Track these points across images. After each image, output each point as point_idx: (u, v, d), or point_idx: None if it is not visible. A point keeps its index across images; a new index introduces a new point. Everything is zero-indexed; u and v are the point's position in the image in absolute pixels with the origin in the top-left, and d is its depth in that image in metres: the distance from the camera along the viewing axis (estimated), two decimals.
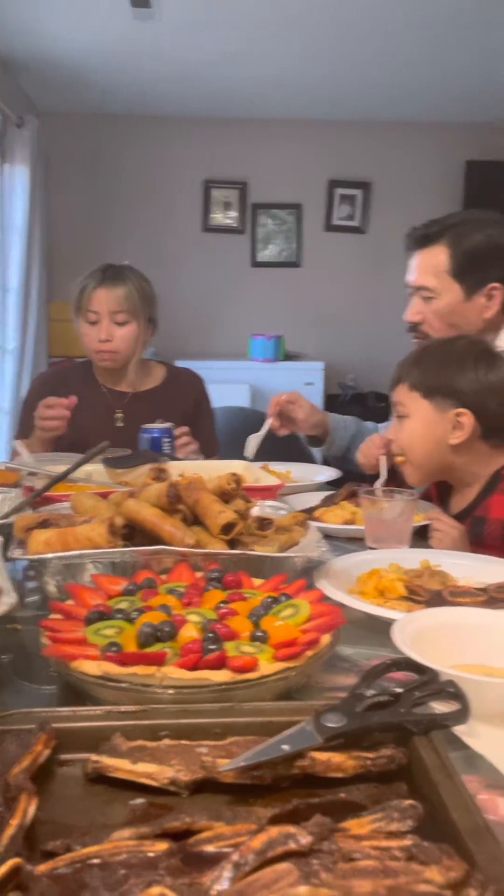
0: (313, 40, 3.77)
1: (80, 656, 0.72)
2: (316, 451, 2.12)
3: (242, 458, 1.69)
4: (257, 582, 0.94)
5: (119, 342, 1.99)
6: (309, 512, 1.45)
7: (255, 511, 1.17)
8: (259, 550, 1.02)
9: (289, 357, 4.84)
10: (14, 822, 0.49)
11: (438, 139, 5.10)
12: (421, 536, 1.37)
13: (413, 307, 1.67)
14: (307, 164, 5.12)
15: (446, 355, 1.38)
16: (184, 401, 2.13)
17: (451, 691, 0.65)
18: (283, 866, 0.43)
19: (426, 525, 1.36)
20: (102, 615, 0.80)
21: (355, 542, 1.35)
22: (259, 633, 0.76)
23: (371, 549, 1.27)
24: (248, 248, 5.22)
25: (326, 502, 1.52)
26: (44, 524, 1.04)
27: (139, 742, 0.60)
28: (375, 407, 4.65)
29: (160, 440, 1.69)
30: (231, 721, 0.62)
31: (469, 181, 5.08)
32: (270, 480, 1.45)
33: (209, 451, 2.00)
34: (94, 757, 0.58)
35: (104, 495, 1.15)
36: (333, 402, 4.81)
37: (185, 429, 1.88)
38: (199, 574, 0.95)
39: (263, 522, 1.11)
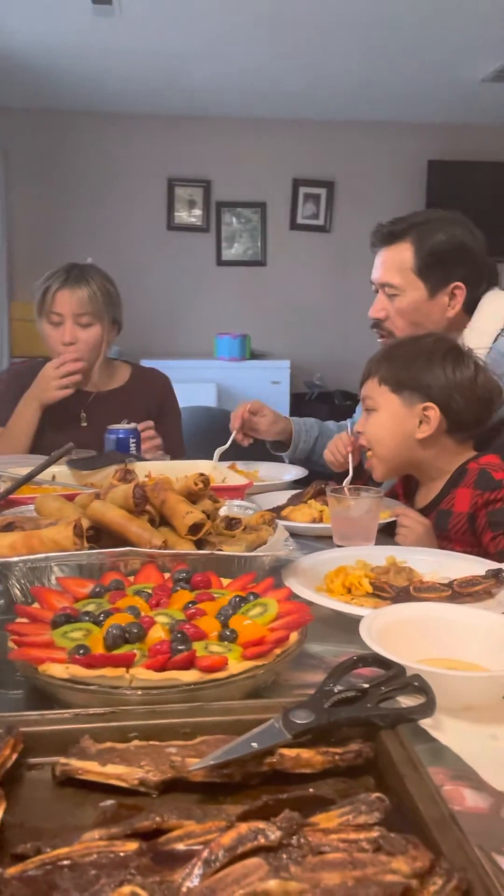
0: (277, 38, 3.78)
1: (48, 660, 0.71)
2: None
3: (209, 458, 1.69)
4: (226, 581, 0.94)
5: (83, 345, 1.97)
6: (276, 511, 1.46)
7: (223, 511, 1.17)
8: (227, 550, 1.02)
9: (255, 356, 4.85)
10: None
11: (401, 139, 5.16)
12: (387, 533, 1.39)
13: (377, 304, 1.68)
14: (271, 163, 5.13)
15: (416, 351, 1.40)
16: (149, 401, 2.12)
17: (417, 685, 0.66)
18: (253, 861, 0.43)
19: (393, 522, 1.38)
20: (69, 618, 0.79)
21: (323, 540, 1.36)
22: (227, 633, 0.77)
23: (338, 546, 1.29)
24: (212, 247, 5.22)
25: (294, 501, 1.53)
26: (8, 527, 1.03)
27: (108, 744, 0.60)
28: (342, 405, 4.68)
29: (126, 441, 1.68)
30: (200, 721, 0.63)
31: (431, 181, 5.15)
32: (238, 480, 1.46)
33: (175, 451, 2.00)
34: (63, 760, 0.58)
35: (70, 497, 1.14)
36: (300, 401, 4.83)
37: (149, 423, 1.88)
38: (166, 575, 0.95)
39: (231, 522, 1.11)
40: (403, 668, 0.69)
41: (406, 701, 0.67)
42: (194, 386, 4.04)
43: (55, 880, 0.44)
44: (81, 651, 0.72)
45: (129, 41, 3.80)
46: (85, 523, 1.00)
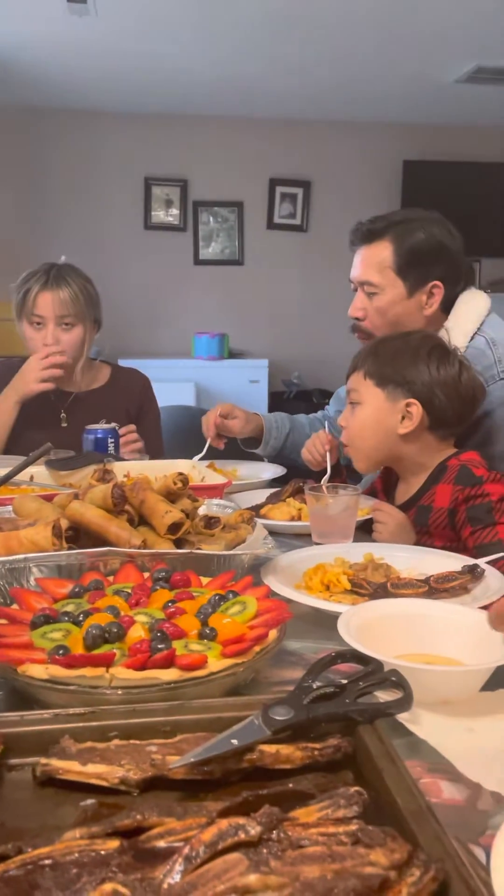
0: (253, 38, 3.78)
1: (27, 660, 0.71)
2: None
3: (189, 457, 1.69)
4: (205, 580, 0.95)
5: (65, 346, 1.96)
6: (255, 509, 1.47)
7: (202, 510, 1.17)
8: (206, 549, 1.03)
9: (233, 355, 4.85)
10: None
11: (377, 139, 5.18)
12: (365, 530, 1.40)
13: (356, 302, 1.69)
14: (248, 162, 5.14)
15: (402, 347, 1.42)
16: (129, 401, 2.11)
17: (395, 680, 0.67)
18: (233, 856, 0.44)
19: (370, 519, 1.39)
20: (48, 618, 0.79)
21: (301, 537, 1.37)
22: (207, 631, 0.77)
23: (317, 544, 1.30)
24: (190, 246, 5.21)
25: (272, 499, 1.54)
26: None
27: (89, 743, 0.60)
28: (320, 404, 4.68)
29: (105, 441, 1.67)
30: (180, 719, 0.63)
31: (407, 181, 5.18)
32: (217, 479, 1.46)
33: (154, 451, 2.00)
34: (43, 760, 0.58)
35: (48, 498, 1.14)
36: (278, 400, 4.84)
37: (131, 427, 1.88)
38: (146, 574, 0.95)
39: (210, 521, 1.11)
40: (381, 663, 0.70)
41: (384, 696, 0.67)
42: (172, 385, 4.04)
43: (37, 880, 0.44)
44: (61, 651, 0.72)
45: (105, 39, 3.78)
46: (64, 524, 1.00)
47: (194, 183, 5.13)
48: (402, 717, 0.68)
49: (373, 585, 1.04)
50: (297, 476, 1.61)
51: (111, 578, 0.95)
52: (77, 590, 0.88)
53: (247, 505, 1.47)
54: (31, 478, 1.41)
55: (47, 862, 0.45)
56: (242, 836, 0.46)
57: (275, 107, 4.85)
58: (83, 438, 1.69)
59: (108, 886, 0.43)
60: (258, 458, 2.00)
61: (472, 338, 1.58)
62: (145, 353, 4.87)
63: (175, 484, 1.11)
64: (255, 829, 0.46)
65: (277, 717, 0.60)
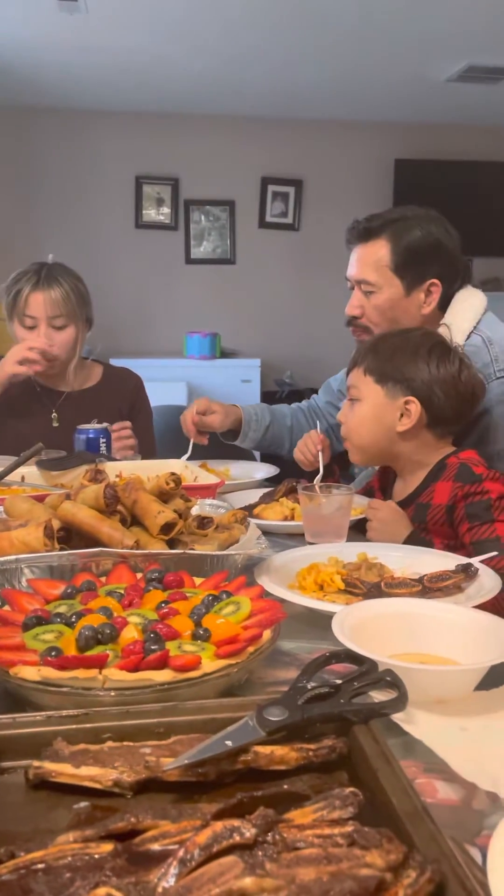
0: (245, 37, 3.78)
1: (19, 662, 0.71)
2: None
3: (180, 457, 1.69)
4: (198, 581, 0.94)
5: (58, 347, 1.95)
6: (248, 509, 1.46)
7: (195, 510, 1.17)
8: (199, 549, 1.02)
9: (225, 354, 4.85)
10: None
11: (369, 138, 5.19)
12: (359, 530, 1.40)
13: (353, 301, 1.68)
14: (239, 161, 5.13)
15: (402, 344, 1.41)
16: (121, 400, 2.11)
17: (389, 680, 0.67)
18: (229, 859, 0.43)
19: (364, 519, 1.39)
20: (41, 620, 0.79)
21: (295, 537, 1.37)
22: (201, 632, 0.77)
23: (310, 544, 1.29)
24: (181, 245, 5.20)
25: (265, 499, 1.54)
26: None
27: (82, 746, 0.59)
28: None
29: (96, 440, 1.67)
30: (174, 720, 0.63)
31: (398, 179, 5.19)
32: (209, 479, 1.46)
33: (147, 451, 1.99)
34: (36, 763, 0.57)
35: (39, 498, 1.13)
36: (270, 399, 4.83)
37: (126, 423, 1.86)
38: (139, 575, 0.94)
39: (203, 521, 1.11)
40: (375, 663, 0.70)
41: (378, 696, 0.67)
42: (164, 385, 4.03)
43: (30, 884, 0.44)
44: (53, 653, 0.71)
45: (96, 38, 3.77)
46: (55, 524, 0.99)
47: (186, 181, 5.12)
48: (397, 717, 0.67)
49: (367, 585, 1.03)
50: (290, 475, 1.60)
51: (104, 579, 0.94)
52: (69, 591, 0.88)
53: (240, 505, 1.47)
54: (23, 478, 1.40)
55: (40, 866, 0.45)
56: (237, 838, 0.45)
57: (266, 106, 4.85)
58: (75, 438, 1.69)
59: (101, 891, 0.42)
60: (251, 458, 2.00)
61: (469, 336, 1.57)
62: (137, 353, 4.86)
63: (168, 484, 1.11)
64: (250, 832, 0.46)
65: (272, 718, 0.60)
